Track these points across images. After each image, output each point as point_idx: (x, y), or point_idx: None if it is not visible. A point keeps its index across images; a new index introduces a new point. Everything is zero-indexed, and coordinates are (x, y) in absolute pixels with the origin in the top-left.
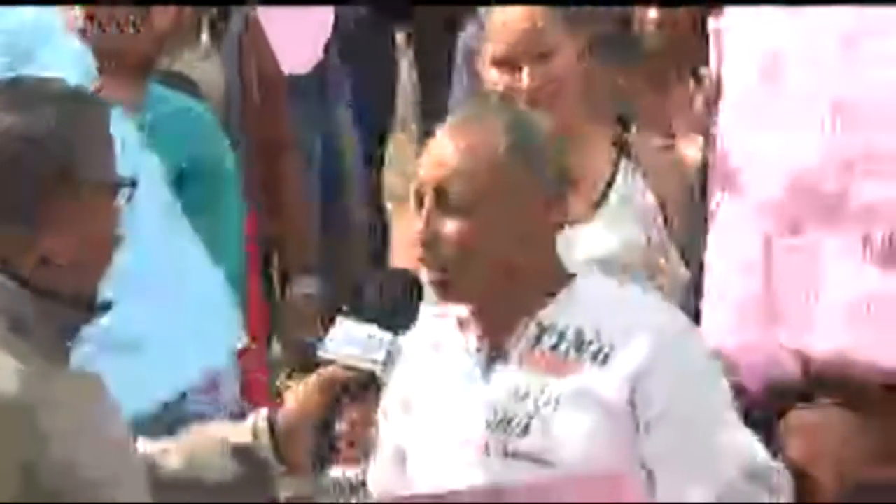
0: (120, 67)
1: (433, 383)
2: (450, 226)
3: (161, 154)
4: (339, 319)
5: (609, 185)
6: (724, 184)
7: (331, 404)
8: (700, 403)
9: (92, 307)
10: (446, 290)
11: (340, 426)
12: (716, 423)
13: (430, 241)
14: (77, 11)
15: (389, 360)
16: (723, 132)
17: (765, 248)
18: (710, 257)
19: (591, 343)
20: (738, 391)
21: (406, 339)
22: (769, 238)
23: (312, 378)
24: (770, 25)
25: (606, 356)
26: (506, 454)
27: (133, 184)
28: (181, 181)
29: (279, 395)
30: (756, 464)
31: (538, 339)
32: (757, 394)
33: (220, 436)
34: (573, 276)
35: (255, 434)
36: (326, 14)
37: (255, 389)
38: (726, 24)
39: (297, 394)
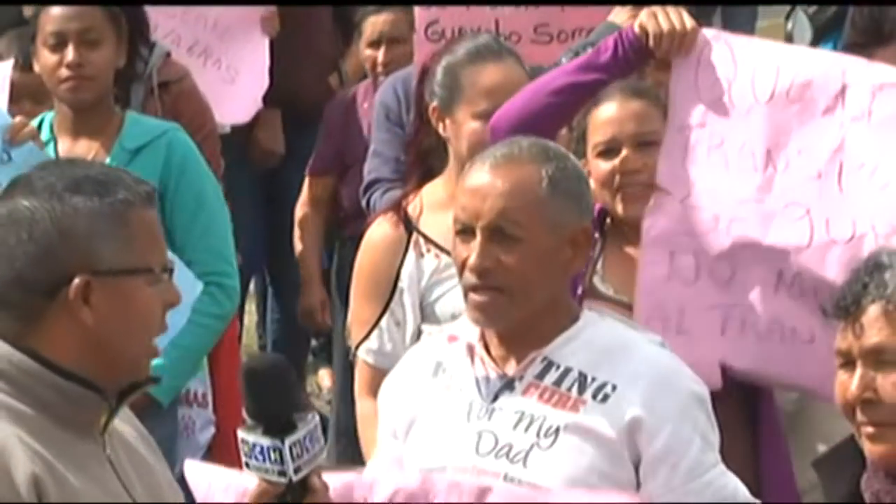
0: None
1: (438, 407)
2: (504, 255)
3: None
4: (241, 436)
5: None
6: (663, 206)
7: None
8: (694, 443)
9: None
10: (491, 314)
11: None
12: (707, 465)
13: (485, 269)
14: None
15: (301, 461)
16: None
17: (693, 270)
18: None
19: (593, 381)
20: None
21: (409, 356)
22: (698, 262)
23: (253, 496)
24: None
25: (607, 396)
26: (505, 480)
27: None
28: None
29: None
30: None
31: (543, 373)
32: None
33: None
34: (580, 314)
35: None
36: (262, 67)
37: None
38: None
39: None
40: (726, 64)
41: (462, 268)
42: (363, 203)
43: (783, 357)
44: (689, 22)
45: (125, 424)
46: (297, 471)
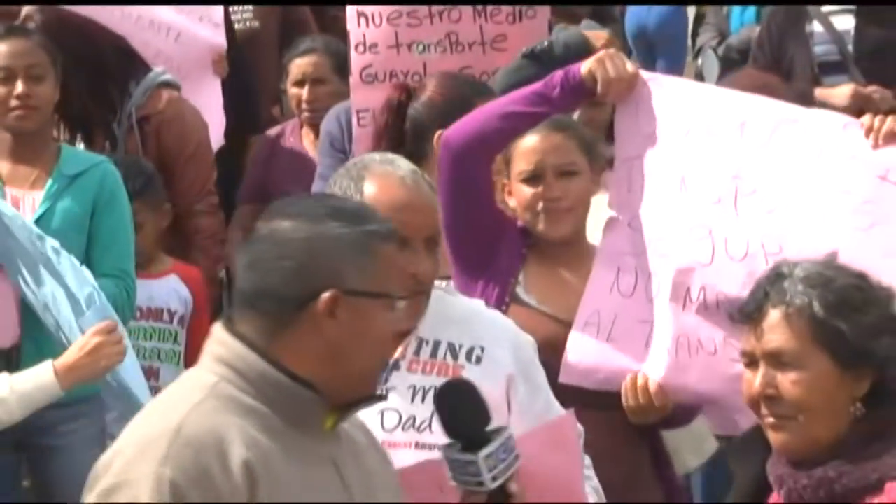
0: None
1: None
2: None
3: (82, 194)
4: (445, 455)
5: None
6: (612, 229)
7: None
8: (544, 386)
9: None
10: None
11: None
12: (551, 400)
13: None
14: None
15: (496, 470)
16: (618, 184)
17: (632, 286)
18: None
19: (461, 346)
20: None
21: None
22: (636, 279)
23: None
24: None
25: (479, 358)
26: (417, 447)
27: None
28: (93, 215)
29: None
30: None
31: (418, 349)
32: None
33: None
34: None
35: None
36: (217, 106)
37: None
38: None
39: None
40: (658, 102)
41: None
42: None
43: (691, 369)
44: (631, 67)
45: (358, 432)
46: (493, 479)
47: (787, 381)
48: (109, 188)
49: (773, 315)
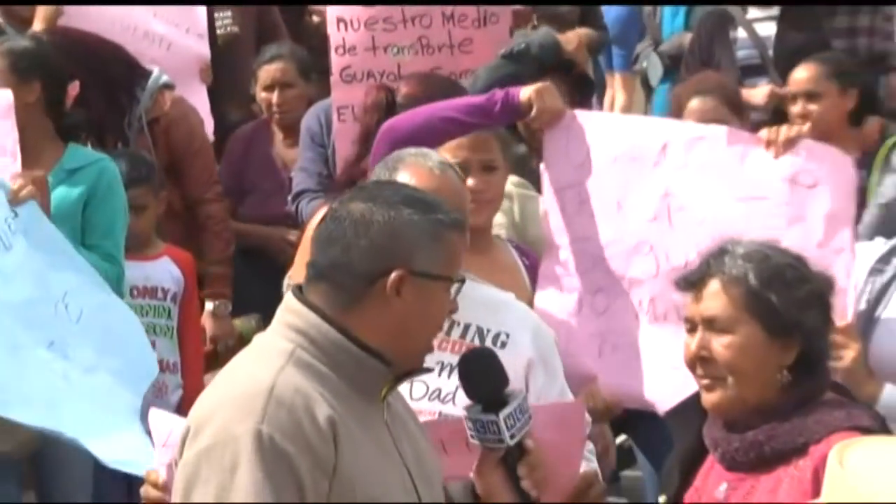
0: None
1: None
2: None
3: (78, 186)
4: (465, 417)
5: None
6: (551, 253)
7: (507, 471)
8: (560, 372)
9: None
10: None
11: (524, 483)
12: (565, 387)
13: None
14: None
15: (514, 429)
16: (553, 212)
17: (577, 304)
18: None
19: (489, 331)
20: None
21: None
22: (581, 297)
23: (481, 465)
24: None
25: (504, 343)
26: (440, 417)
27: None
28: (86, 205)
29: None
30: None
31: (449, 330)
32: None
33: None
34: (463, 280)
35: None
36: (204, 110)
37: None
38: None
39: (478, 483)
40: (585, 134)
41: None
42: (292, 210)
43: (642, 375)
44: (562, 104)
45: (397, 401)
46: (511, 437)
47: (719, 344)
48: (106, 182)
49: (713, 284)
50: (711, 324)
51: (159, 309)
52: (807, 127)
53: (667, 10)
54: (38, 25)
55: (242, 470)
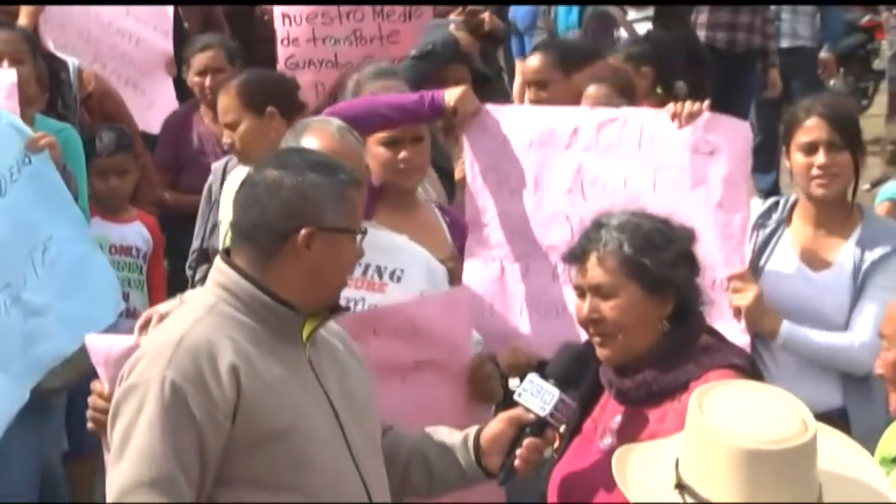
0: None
1: None
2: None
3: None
4: (530, 376)
5: None
6: (475, 228)
7: (517, 435)
8: None
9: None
10: None
11: (520, 450)
12: None
13: None
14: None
15: (557, 412)
16: (475, 192)
17: (500, 271)
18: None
19: (386, 268)
20: None
21: None
22: (503, 265)
23: (508, 414)
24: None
25: (399, 277)
26: None
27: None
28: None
29: None
30: None
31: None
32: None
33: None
34: (366, 231)
35: (465, 441)
36: (171, 95)
37: None
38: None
39: (494, 422)
40: (503, 125)
41: None
42: None
43: (558, 330)
44: (478, 104)
45: (337, 341)
46: (550, 416)
47: (607, 307)
48: (70, 148)
49: (594, 257)
50: (598, 290)
51: (133, 266)
52: (707, 104)
53: (561, 8)
54: (23, 20)
55: (146, 408)
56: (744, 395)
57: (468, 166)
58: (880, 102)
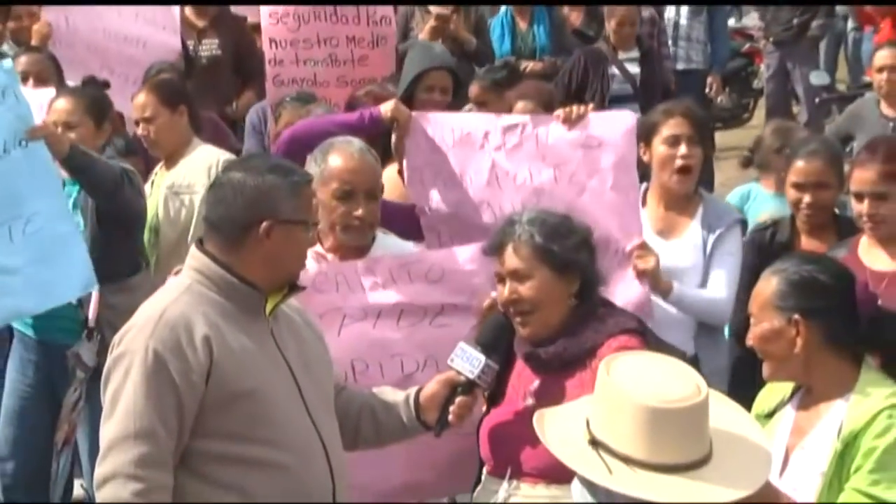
0: None
1: None
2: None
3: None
4: (461, 344)
5: None
6: (421, 211)
7: (449, 394)
8: None
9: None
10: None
11: (452, 408)
12: None
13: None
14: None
15: (483, 374)
16: (414, 185)
17: (438, 245)
18: None
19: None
20: None
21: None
22: (442, 242)
23: (442, 376)
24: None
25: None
26: None
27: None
28: None
29: None
30: None
31: None
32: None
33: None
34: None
35: (407, 399)
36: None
37: None
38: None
39: (430, 383)
40: (430, 129)
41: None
42: None
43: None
44: (409, 113)
45: (296, 315)
46: (478, 378)
47: (524, 288)
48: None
49: (510, 247)
50: (515, 274)
51: None
52: (591, 106)
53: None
54: (34, 44)
55: (132, 373)
56: (646, 362)
57: (408, 163)
58: (759, 116)
